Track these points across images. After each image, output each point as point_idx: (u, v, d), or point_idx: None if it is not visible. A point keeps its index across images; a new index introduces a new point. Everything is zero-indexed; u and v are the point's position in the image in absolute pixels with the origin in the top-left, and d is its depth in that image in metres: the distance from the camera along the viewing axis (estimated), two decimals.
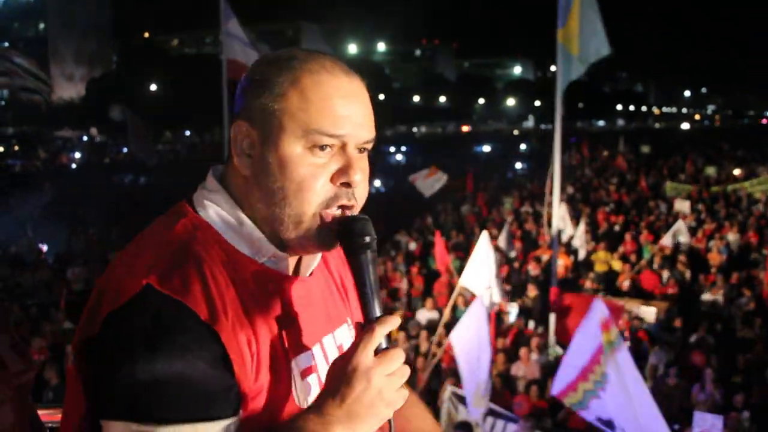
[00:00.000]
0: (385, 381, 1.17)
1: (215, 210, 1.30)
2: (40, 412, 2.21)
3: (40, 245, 18.49)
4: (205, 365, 1.14)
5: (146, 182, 36.04)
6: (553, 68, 11.70)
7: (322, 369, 1.35)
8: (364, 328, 1.20)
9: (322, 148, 1.25)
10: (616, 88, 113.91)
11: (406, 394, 1.21)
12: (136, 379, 1.11)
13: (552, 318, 11.14)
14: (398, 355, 1.19)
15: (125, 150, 50.95)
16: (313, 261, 1.40)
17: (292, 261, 1.36)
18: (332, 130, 1.24)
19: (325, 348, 1.39)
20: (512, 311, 12.69)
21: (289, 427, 1.19)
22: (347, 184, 1.27)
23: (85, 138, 64.05)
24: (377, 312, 1.23)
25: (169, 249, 1.21)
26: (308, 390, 1.32)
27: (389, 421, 1.22)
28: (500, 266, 15.86)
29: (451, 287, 14.09)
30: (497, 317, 11.60)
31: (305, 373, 1.33)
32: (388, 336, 1.21)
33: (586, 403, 6.93)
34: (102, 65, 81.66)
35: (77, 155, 52.54)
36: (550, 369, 10.44)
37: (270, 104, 1.26)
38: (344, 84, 1.27)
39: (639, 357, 10.47)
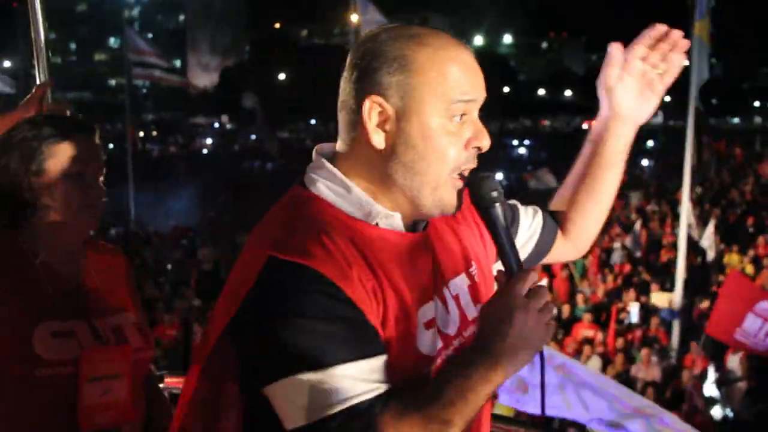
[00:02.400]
0: (538, 316, 1.26)
1: (323, 183, 1.36)
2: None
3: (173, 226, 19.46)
4: (342, 316, 1.22)
5: (273, 168, 37.18)
6: (686, 62, 11.23)
7: (441, 319, 1.40)
8: (513, 274, 1.31)
9: (458, 117, 1.33)
10: (755, 84, 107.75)
11: (554, 328, 1.31)
12: (295, 339, 1.20)
13: (676, 321, 10.80)
14: (545, 293, 1.28)
15: (253, 137, 52.70)
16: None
17: (403, 219, 1.40)
18: (469, 96, 1.34)
19: (445, 298, 1.43)
20: (632, 311, 12.35)
21: (455, 370, 1.26)
22: (479, 149, 1.37)
23: (216, 125, 66.64)
24: (514, 260, 1.34)
25: (283, 221, 1.33)
26: (430, 340, 1.36)
27: (541, 353, 1.34)
28: (624, 264, 15.53)
29: (568, 285, 13.90)
30: (616, 317, 11.35)
31: (429, 324, 1.37)
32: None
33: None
34: (235, 55, 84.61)
35: (209, 141, 54.70)
36: (671, 372, 10.14)
37: (409, 80, 1.31)
38: (468, 56, 1.36)
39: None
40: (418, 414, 1.21)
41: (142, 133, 51.06)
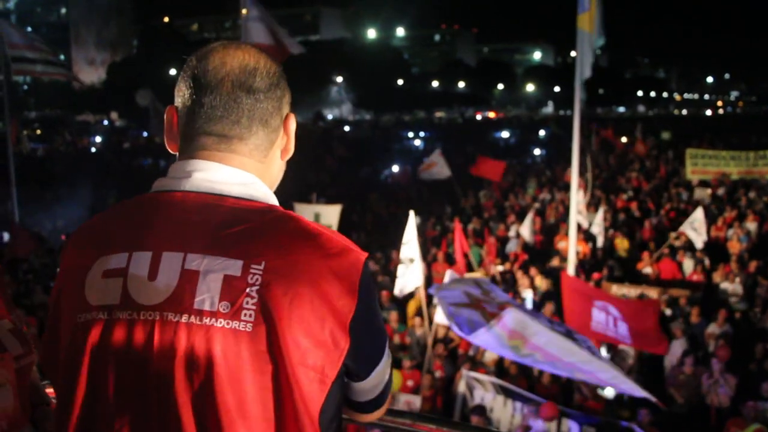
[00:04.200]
0: None
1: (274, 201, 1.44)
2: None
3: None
4: None
5: (165, 166, 36.28)
6: (573, 54, 11.61)
7: None
8: None
9: None
10: (637, 73, 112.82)
11: None
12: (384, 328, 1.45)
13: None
14: None
15: (145, 134, 51.23)
16: None
17: None
18: None
19: None
20: (527, 298, 12.69)
21: None
22: None
23: (105, 122, 64.46)
24: None
25: (317, 231, 1.34)
26: None
27: None
28: (519, 252, 15.94)
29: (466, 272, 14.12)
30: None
31: None
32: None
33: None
34: (122, 50, 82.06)
35: (98, 139, 52.88)
36: None
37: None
38: None
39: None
40: None
41: (25, 132, 48.86)
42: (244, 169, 1.40)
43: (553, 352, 6.88)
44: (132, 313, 1.27)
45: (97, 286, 1.30)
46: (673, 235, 15.45)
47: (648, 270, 14.21)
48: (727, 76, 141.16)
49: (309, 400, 1.27)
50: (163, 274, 1.28)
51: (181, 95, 1.41)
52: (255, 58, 1.41)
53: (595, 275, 13.80)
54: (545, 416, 7.87)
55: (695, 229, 14.54)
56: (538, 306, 12.43)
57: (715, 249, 15.31)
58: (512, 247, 16.49)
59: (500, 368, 10.02)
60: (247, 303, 1.25)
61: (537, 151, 40.40)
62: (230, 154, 1.39)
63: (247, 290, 1.25)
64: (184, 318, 1.25)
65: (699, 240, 14.50)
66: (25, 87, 68.38)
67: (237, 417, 1.23)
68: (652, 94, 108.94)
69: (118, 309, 1.28)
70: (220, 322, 1.24)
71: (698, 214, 14.81)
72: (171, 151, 1.47)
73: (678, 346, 10.23)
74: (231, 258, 1.27)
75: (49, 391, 2.25)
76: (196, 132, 1.39)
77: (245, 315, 1.24)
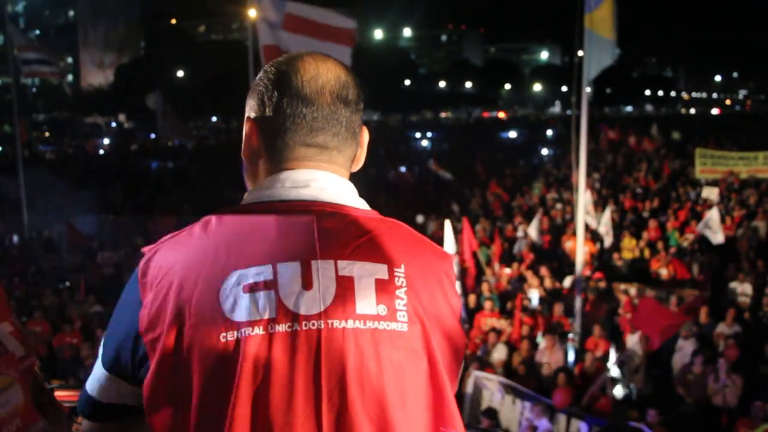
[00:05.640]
0: None
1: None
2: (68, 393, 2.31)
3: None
4: None
5: (174, 168, 36.34)
6: (580, 53, 11.56)
7: None
8: None
9: None
10: (644, 73, 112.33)
11: None
12: None
13: (577, 305, 11.13)
14: None
15: (153, 136, 51.35)
16: None
17: None
18: None
19: None
20: (533, 297, 12.65)
21: None
22: None
23: (113, 124, 64.62)
24: None
25: (413, 234, 1.45)
26: None
27: None
28: (527, 252, 15.90)
29: (475, 273, 14.11)
30: (521, 305, 11.59)
31: None
32: None
33: None
34: (130, 52, 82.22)
35: (106, 141, 53.02)
36: (575, 355, 10.45)
37: None
38: None
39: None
40: None
41: (34, 134, 49.04)
42: (344, 178, 1.46)
43: None
44: (293, 324, 1.26)
45: (241, 301, 1.27)
46: (684, 235, 15.40)
47: (663, 271, 14.15)
48: (735, 74, 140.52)
49: (450, 392, 1.35)
50: (319, 282, 1.29)
51: (269, 106, 1.41)
52: (344, 70, 1.44)
53: (597, 275, 13.79)
54: (559, 403, 7.89)
55: (710, 227, 14.50)
56: (544, 305, 12.42)
57: (725, 248, 15.23)
58: (520, 247, 16.46)
59: (508, 368, 10.01)
60: (399, 304, 1.31)
61: (545, 151, 40.30)
62: (332, 165, 1.44)
63: (396, 292, 1.32)
64: (350, 323, 1.28)
65: (715, 238, 14.46)
66: (34, 89, 68.62)
67: (401, 414, 1.27)
68: (660, 93, 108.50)
69: (275, 322, 1.26)
70: (382, 324, 1.29)
71: (713, 213, 14.76)
72: (246, 163, 1.47)
73: (688, 346, 10.19)
74: (377, 262, 1.33)
75: (61, 394, 2.27)
76: (296, 143, 1.41)
77: (400, 316, 1.31)
